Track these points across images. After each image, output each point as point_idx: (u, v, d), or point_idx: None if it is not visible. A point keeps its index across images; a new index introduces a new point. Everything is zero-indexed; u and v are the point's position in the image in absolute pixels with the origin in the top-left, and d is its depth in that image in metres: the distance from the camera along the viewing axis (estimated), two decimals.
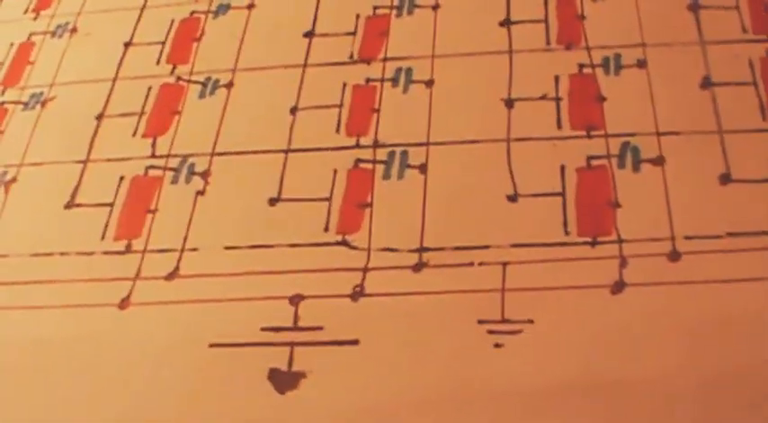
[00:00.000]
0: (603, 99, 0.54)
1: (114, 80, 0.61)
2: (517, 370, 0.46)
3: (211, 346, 0.49)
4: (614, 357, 0.46)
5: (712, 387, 0.44)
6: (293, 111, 0.57)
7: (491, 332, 0.47)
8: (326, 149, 0.55)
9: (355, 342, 0.48)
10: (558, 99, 0.55)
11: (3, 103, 0.62)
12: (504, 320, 0.47)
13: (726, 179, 0.50)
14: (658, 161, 0.51)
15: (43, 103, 0.61)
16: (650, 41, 0.56)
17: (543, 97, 0.55)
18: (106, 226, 0.54)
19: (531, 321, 0.47)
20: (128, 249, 0.53)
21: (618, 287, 0.48)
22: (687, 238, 0.49)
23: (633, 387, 0.45)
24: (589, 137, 0.53)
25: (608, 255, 0.49)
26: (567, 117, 0.54)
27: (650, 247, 0.49)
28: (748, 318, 0.46)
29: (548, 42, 0.57)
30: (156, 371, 0.49)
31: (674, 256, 0.48)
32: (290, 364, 0.47)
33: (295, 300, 0.49)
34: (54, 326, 0.51)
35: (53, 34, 0.65)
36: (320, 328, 0.48)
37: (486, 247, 0.50)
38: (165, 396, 0.48)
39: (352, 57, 0.59)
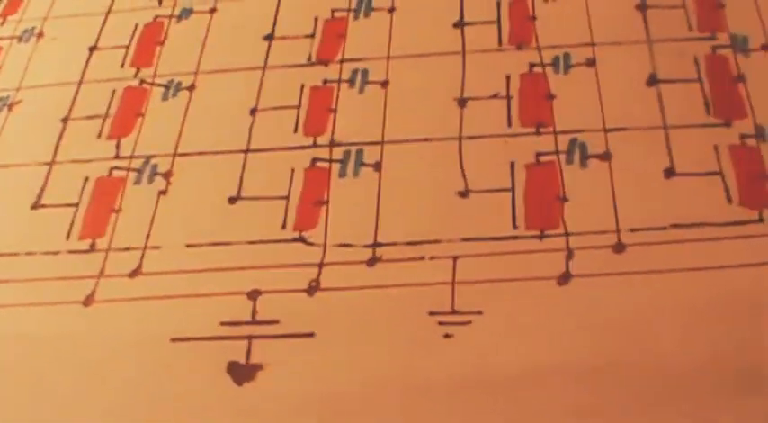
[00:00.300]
0: (553, 97, 0.56)
1: (79, 83, 0.62)
2: (467, 360, 0.48)
3: (173, 340, 0.50)
4: (560, 347, 0.47)
5: (653, 373, 0.46)
6: (253, 112, 0.58)
7: (441, 323, 0.49)
8: (285, 149, 0.56)
9: (311, 334, 0.49)
10: (509, 98, 0.56)
11: None
12: (453, 312, 0.49)
13: (670, 173, 0.52)
14: (605, 157, 0.53)
15: (10, 107, 0.62)
16: (599, 41, 0.58)
17: (495, 96, 0.56)
18: (71, 226, 0.56)
19: (480, 312, 0.49)
20: (92, 248, 0.54)
21: (564, 278, 0.49)
22: (632, 230, 0.50)
23: (580, 375, 0.46)
24: (538, 134, 0.54)
25: (555, 247, 0.50)
26: (518, 115, 0.55)
27: (596, 240, 0.50)
28: (689, 306, 0.47)
29: (500, 43, 0.59)
30: (120, 366, 0.50)
31: (619, 247, 0.50)
32: (248, 356, 0.49)
33: (253, 295, 0.51)
34: (19, 323, 0.53)
35: (20, 39, 0.66)
36: (277, 322, 0.50)
37: (438, 241, 0.51)
38: (129, 390, 0.49)
39: (310, 59, 0.60)
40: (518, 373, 0.47)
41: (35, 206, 0.57)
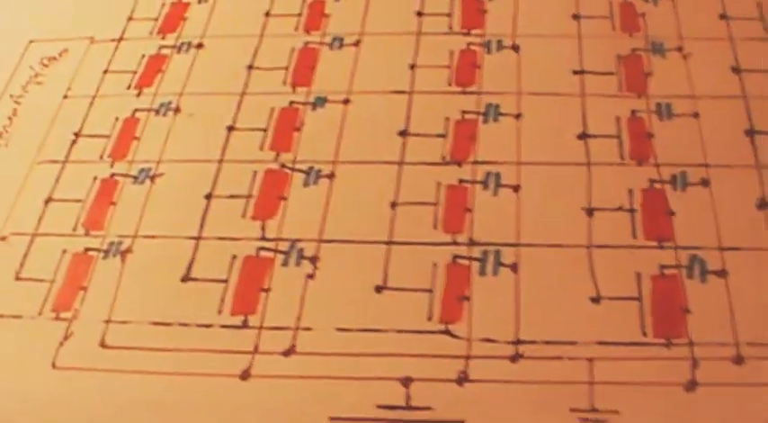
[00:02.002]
0: (672, 213, 0.62)
1: (220, 162, 0.67)
2: None
3: (332, 419, 0.55)
4: None
5: None
6: (393, 205, 0.63)
7: (583, 420, 0.54)
8: (425, 244, 0.61)
9: (462, 422, 0.54)
10: (632, 210, 0.62)
11: (113, 175, 0.67)
12: (593, 410, 0.54)
13: None
14: (722, 274, 0.59)
15: (152, 179, 0.66)
16: (712, 162, 0.64)
17: (619, 208, 0.62)
18: (222, 301, 0.60)
19: (616, 412, 0.54)
20: (245, 324, 0.59)
21: (690, 386, 0.55)
22: (750, 344, 0.56)
23: None
24: (661, 247, 0.60)
25: (681, 356, 0.56)
26: (641, 228, 0.61)
27: (717, 351, 0.56)
28: None
29: (621, 157, 0.65)
30: None
31: (738, 359, 0.55)
32: None
33: (405, 381, 0.56)
34: (175, 392, 0.57)
35: (157, 112, 0.71)
36: (430, 408, 0.55)
37: (574, 343, 0.57)
38: None
39: (444, 158, 0.66)
40: None
41: (185, 279, 0.61)
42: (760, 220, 0.61)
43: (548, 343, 0.57)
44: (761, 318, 0.57)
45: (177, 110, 0.71)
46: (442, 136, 0.67)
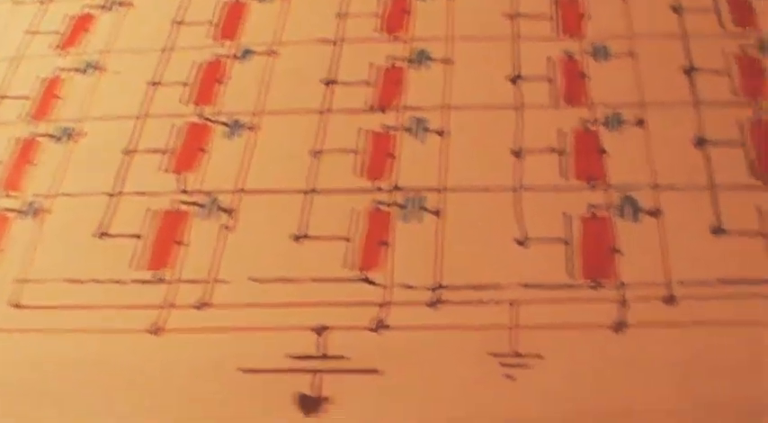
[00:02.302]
0: (605, 152, 0.59)
1: (141, 117, 0.65)
2: (528, 403, 0.50)
3: (241, 371, 0.52)
4: (620, 393, 0.51)
5: (698, 419, 0.49)
6: (315, 153, 0.61)
7: (503, 365, 0.52)
8: (347, 191, 0.59)
9: (377, 371, 0.52)
10: (563, 152, 0.60)
11: (33, 135, 0.65)
12: (516, 355, 0.52)
13: (717, 231, 0.55)
14: (655, 213, 0.56)
15: (73, 138, 0.64)
16: (649, 100, 0.61)
17: (550, 150, 0.60)
18: (137, 256, 0.58)
19: (540, 356, 0.52)
20: (159, 279, 0.57)
21: (619, 327, 0.52)
22: (681, 283, 0.53)
23: (630, 418, 0.49)
24: (591, 188, 0.57)
25: (610, 297, 0.54)
26: (572, 168, 0.59)
27: (648, 291, 0.54)
28: (734, 358, 0.51)
29: (554, 99, 0.62)
30: (187, 393, 0.53)
31: (670, 299, 0.53)
32: (316, 389, 0.51)
33: (320, 330, 0.53)
34: (85, 349, 0.55)
35: (83, 71, 0.69)
36: (344, 358, 0.52)
37: (498, 286, 0.55)
38: (196, 418, 0.52)
39: (369, 105, 0.63)
40: (576, 418, 0.50)
41: (100, 235, 0.59)
42: (697, 158, 0.58)
43: (470, 287, 0.55)
44: (694, 257, 0.54)
45: (102, 68, 0.69)
46: (369, 83, 0.64)
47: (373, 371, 0.52)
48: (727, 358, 0.51)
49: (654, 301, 0.53)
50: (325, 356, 0.53)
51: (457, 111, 0.63)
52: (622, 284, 0.54)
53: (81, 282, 0.58)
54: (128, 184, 0.62)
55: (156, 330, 0.55)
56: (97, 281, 0.58)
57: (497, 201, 0.58)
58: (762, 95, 0.62)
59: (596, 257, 0.55)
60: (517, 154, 0.60)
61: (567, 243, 0.56)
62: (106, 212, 0.61)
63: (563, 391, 0.51)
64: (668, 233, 0.56)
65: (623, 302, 0.53)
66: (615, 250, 0.56)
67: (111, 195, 0.61)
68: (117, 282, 0.57)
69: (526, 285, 0.54)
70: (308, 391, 0.52)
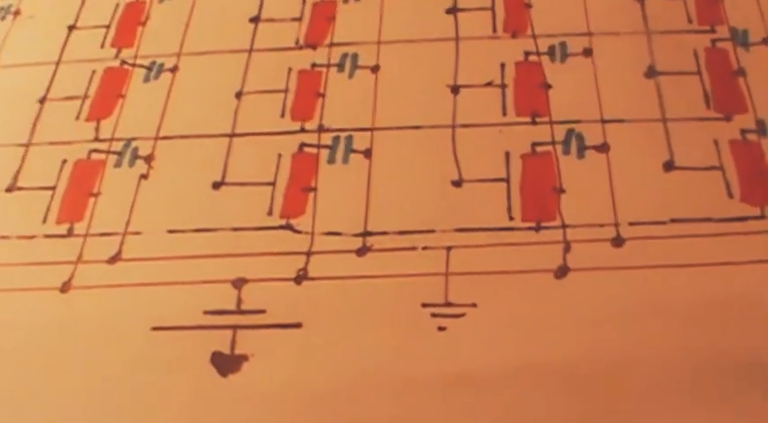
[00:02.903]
0: (549, 86, 0.55)
1: (57, 63, 0.60)
2: (461, 354, 0.46)
3: (154, 329, 0.48)
4: (558, 341, 0.46)
5: (648, 367, 0.45)
6: (238, 95, 0.56)
7: (435, 315, 0.47)
8: (271, 134, 0.54)
9: (298, 325, 0.48)
10: (503, 86, 0.55)
11: None
12: (447, 304, 0.47)
13: (669, 166, 0.51)
14: (603, 148, 0.52)
15: None
16: (596, 30, 0.57)
17: (489, 84, 0.55)
18: (48, 209, 0.54)
19: (474, 305, 0.47)
20: (70, 233, 0.52)
21: (561, 272, 0.48)
22: (631, 223, 0.49)
23: (576, 371, 0.45)
24: (534, 123, 0.53)
25: (552, 240, 0.49)
26: (513, 104, 0.54)
27: (594, 233, 0.49)
28: (686, 302, 0.47)
29: (494, 30, 0.58)
30: (98, 355, 0.48)
31: (618, 241, 0.48)
32: (233, 347, 0.47)
33: (238, 283, 0.49)
34: None
35: None
36: (263, 312, 0.48)
37: (431, 231, 0.50)
38: (107, 380, 0.48)
39: (298, 42, 0.59)
40: (513, 369, 0.46)
41: (10, 189, 0.55)
42: (649, 89, 0.54)
43: (400, 233, 0.50)
44: (644, 195, 0.50)
45: (17, 12, 0.64)
46: (298, 19, 0.60)
47: (295, 325, 0.48)
48: (677, 302, 0.47)
49: (600, 244, 0.49)
50: (243, 311, 0.48)
51: (390, 45, 0.58)
52: (566, 226, 0.49)
53: None
54: (40, 133, 0.57)
55: (65, 288, 0.50)
56: (5, 237, 0.53)
57: (432, 140, 0.53)
58: (719, 22, 0.57)
59: (538, 198, 0.51)
60: (454, 89, 0.55)
61: (507, 183, 0.51)
62: (17, 164, 0.56)
63: (498, 341, 0.46)
64: (616, 170, 0.52)
65: (566, 245, 0.49)
66: (559, 189, 0.51)
67: (23, 146, 0.56)
68: (28, 237, 0.53)
69: (461, 229, 0.50)
70: (224, 349, 0.47)
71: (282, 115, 0.56)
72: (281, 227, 0.51)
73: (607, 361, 0.46)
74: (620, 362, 0.45)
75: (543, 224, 0.50)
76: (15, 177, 0.56)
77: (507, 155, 0.53)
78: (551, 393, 0.45)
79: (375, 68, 0.57)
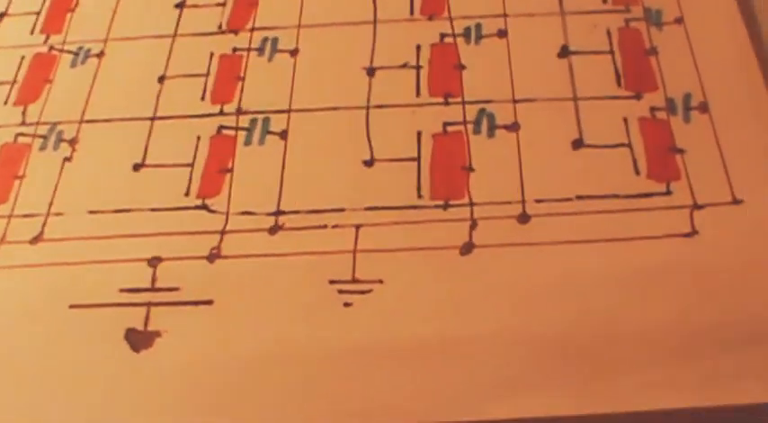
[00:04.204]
0: (463, 67, 0.55)
1: None
2: (367, 329, 0.47)
3: (71, 307, 0.49)
4: (461, 317, 0.47)
5: (556, 341, 0.46)
6: (161, 79, 0.57)
7: (341, 292, 0.48)
8: (191, 117, 0.55)
9: (210, 302, 0.48)
10: (418, 67, 0.56)
11: None
12: (354, 281, 0.48)
13: (578, 144, 0.52)
14: (513, 127, 0.52)
15: None
16: (511, 12, 0.57)
17: (404, 66, 0.56)
18: None
19: (380, 281, 0.48)
20: None
21: (467, 248, 0.49)
22: (537, 201, 0.50)
23: (478, 344, 0.46)
24: (447, 104, 0.54)
25: (459, 217, 0.50)
26: (427, 85, 0.55)
27: (500, 210, 0.50)
28: (592, 277, 0.47)
29: (411, 13, 0.58)
30: (17, 333, 0.49)
31: (524, 218, 0.49)
32: (146, 323, 0.48)
33: (153, 262, 0.50)
34: None
35: None
36: (177, 289, 0.49)
37: (341, 210, 0.51)
38: (25, 357, 0.48)
39: (221, 27, 0.59)
40: (418, 344, 0.46)
41: None
42: (562, 69, 0.55)
43: (311, 211, 0.51)
44: (550, 172, 0.51)
45: None
46: (222, 5, 0.61)
47: (206, 302, 0.49)
48: (580, 277, 0.48)
49: (506, 221, 0.49)
50: (157, 289, 0.49)
51: (310, 29, 0.59)
52: (473, 204, 0.50)
53: None
54: None
55: None
56: None
57: (346, 121, 0.54)
58: (634, 2, 0.58)
59: (447, 176, 0.52)
60: (370, 71, 0.56)
61: (417, 162, 0.52)
62: None
63: (402, 316, 0.47)
64: (525, 149, 0.52)
65: (473, 223, 0.50)
66: (468, 168, 0.52)
67: None
68: None
69: (371, 208, 0.51)
70: (138, 326, 0.48)
71: (203, 99, 0.56)
72: (197, 207, 0.52)
73: (511, 335, 0.46)
74: (524, 336, 0.46)
75: (451, 202, 0.51)
76: None
77: (419, 135, 0.53)
78: (455, 367, 0.46)
79: (294, 52, 0.58)
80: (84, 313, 0.49)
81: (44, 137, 0.56)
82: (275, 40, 0.58)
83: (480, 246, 0.49)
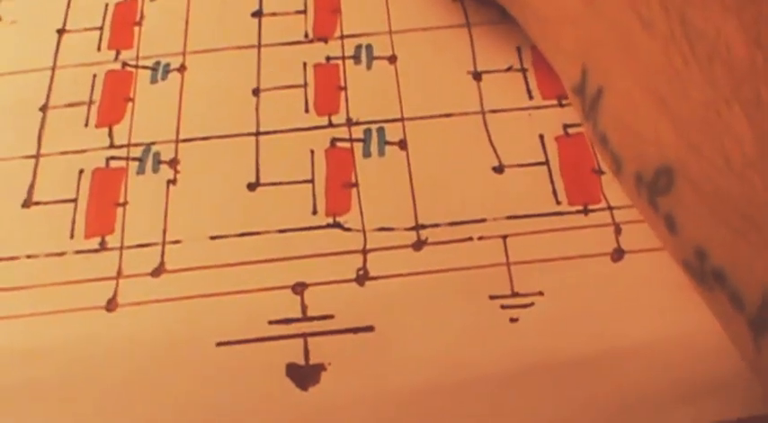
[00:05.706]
0: None
1: (53, 69, 0.52)
2: (537, 343, 0.42)
3: (218, 344, 0.42)
4: (624, 324, 0.43)
5: None
6: (255, 92, 0.50)
7: (504, 307, 0.43)
8: (299, 130, 0.48)
9: (371, 328, 0.42)
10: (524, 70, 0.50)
11: None
12: (514, 294, 0.43)
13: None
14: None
15: None
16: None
17: (509, 69, 0.50)
18: (73, 223, 0.47)
19: (541, 293, 0.43)
20: (103, 247, 0.46)
21: (618, 254, 0.44)
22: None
23: (648, 349, 0.42)
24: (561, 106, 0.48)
25: (601, 222, 0.45)
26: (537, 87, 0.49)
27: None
28: None
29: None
30: (160, 376, 0.42)
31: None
32: (307, 357, 0.41)
33: (298, 288, 0.43)
34: (30, 336, 0.44)
35: None
36: (331, 317, 0.43)
37: (482, 220, 0.45)
38: (175, 404, 0.42)
39: (307, 35, 0.53)
40: (591, 354, 0.42)
41: (26, 204, 0.48)
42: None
43: (452, 224, 0.45)
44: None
45: None
46: (302, 12, 0.53)
47: (366, 328, 0.42)
48: None
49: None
50: (310, 318, 0.42)
51: (402, 35, 0.53)
52: (611, 208, 0.44)
53: (15, 258, 0.46)
54: (48, 143, 0.49)
55: (110, 306, 0.43)
56: (33, 256, 0.46)
57: (463, 127, 0.48)
58: None
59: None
60: (476, 76, 0.50)
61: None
62: (29, 177, 0.48)
63: (568, 328, 0.43)
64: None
65: (617, 227, 0.44)
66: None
67: (32, 158, 0.49)
68: (57, 254, 0.46)
69: (512, 217, 0.46)
70: (298, 360, 0.41)
71: (306, 111, 0.50)
72: (329, 225, 0.46)
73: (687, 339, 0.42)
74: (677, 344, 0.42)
75: (590, 207, 0.45)
76: (30, 192, 0.48)
77: (541, 138, 0.48)
78: (631, 379, 0.41)
79: (392, 59, 0.52)
80: (234, 350, 0.42)
81: (139, 159, 0.48)
82: (369, 47, 0.51)
83: (630, 251, 0.43)
